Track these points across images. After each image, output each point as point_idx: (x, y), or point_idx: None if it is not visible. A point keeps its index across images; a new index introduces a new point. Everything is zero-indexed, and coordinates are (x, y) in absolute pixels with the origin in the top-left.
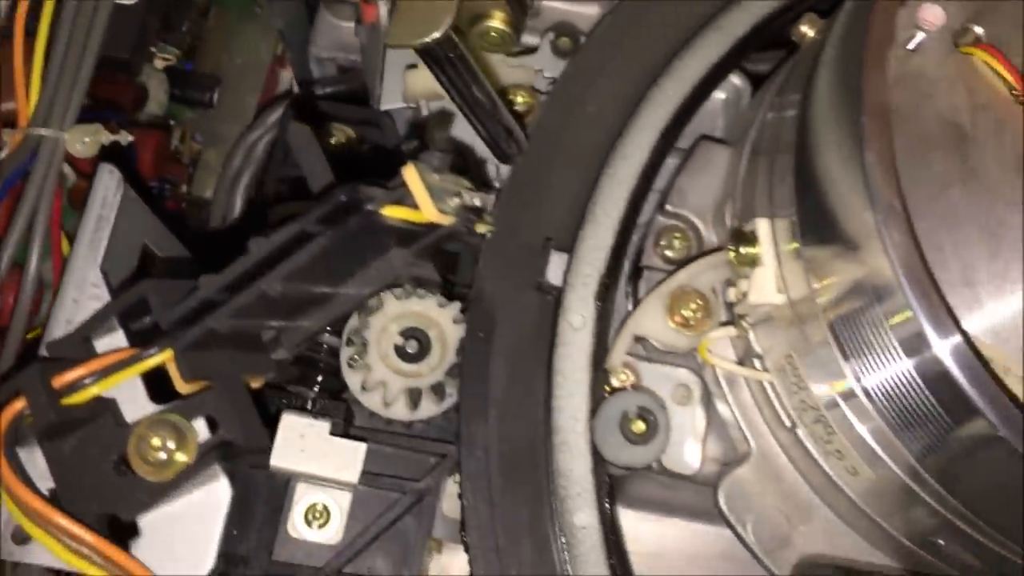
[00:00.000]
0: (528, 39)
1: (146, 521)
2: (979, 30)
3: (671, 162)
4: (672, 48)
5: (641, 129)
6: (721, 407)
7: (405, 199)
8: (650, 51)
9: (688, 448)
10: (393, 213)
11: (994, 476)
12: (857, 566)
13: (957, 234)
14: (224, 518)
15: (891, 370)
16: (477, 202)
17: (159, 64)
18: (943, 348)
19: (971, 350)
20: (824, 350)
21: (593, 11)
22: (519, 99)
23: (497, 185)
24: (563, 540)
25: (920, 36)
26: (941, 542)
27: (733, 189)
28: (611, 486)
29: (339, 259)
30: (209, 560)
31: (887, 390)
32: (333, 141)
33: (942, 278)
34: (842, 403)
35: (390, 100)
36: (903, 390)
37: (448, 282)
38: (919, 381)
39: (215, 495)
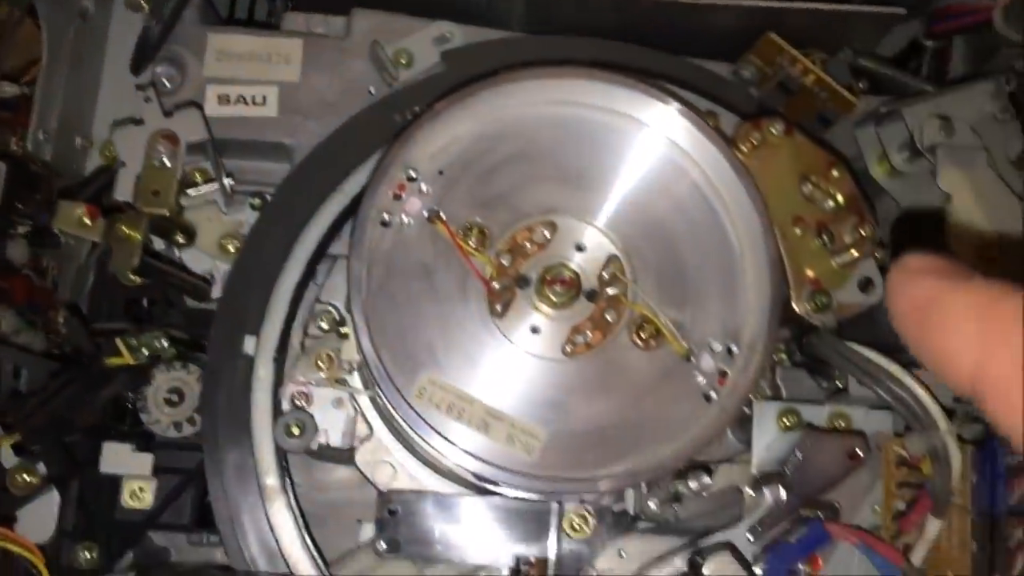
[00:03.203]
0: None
1: (20, 513)
2: (436, 209)
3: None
4: (318, 201)
5: (296, 258)
6: (360, 406)
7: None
8: (305, 205)
9: (343, 433)
10: (113, 362)
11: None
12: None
13: (425, 322)
14: (56, 508)
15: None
16: (165, 343)
17: (21, 231)
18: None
19: (408, 405)
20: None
21: (284, 168)
22: (231, 243)
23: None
24: (262, 492)
25: (406, 217)
26: None
27: None
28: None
29: (96, 381)
30: (50, 530)
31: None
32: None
33: (412, 348)
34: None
35: None
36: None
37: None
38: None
39: (52, 499)
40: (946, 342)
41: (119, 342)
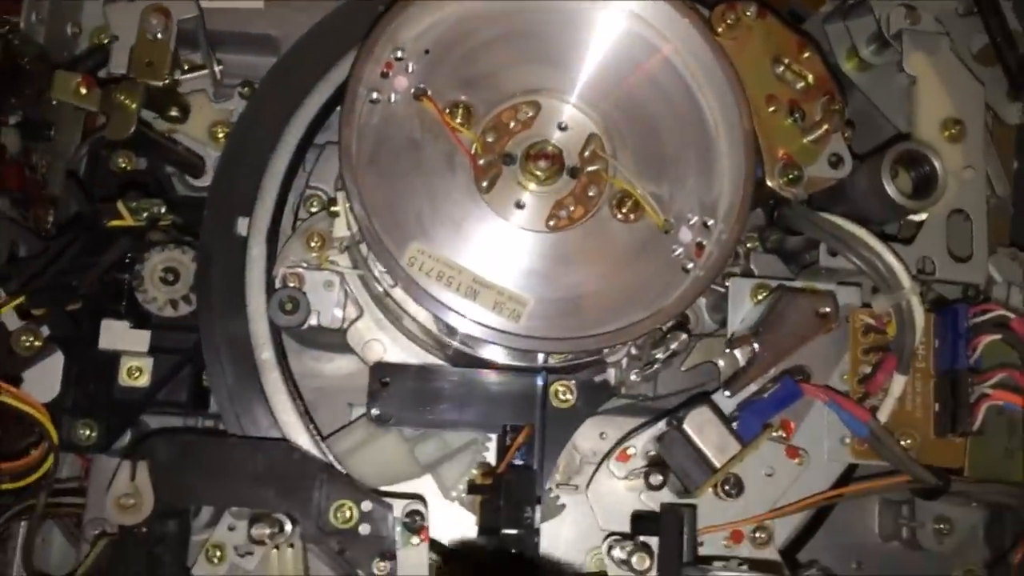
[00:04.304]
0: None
1: (26, 375)
2: (423, 87)
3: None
4: (305, 90)
5: (286, 143)
6: (350, 288)
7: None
8: (292, 92)
9: (334, 313)
10: (114, 224)
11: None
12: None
13: (413, 195)
14: (61, 369)
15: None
16: (162, 209)
17: (12, 121)
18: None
19: (400, 267)
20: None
21: (271, 61)
22: (221, 130)
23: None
24: (258, 367)
25: (394, 95)
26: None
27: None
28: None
29: (96, 245)
30: (56, 389)
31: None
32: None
33: (401, 219)
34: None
35: None
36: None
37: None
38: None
39: (56, 361)
40: None
41: (120, 204)
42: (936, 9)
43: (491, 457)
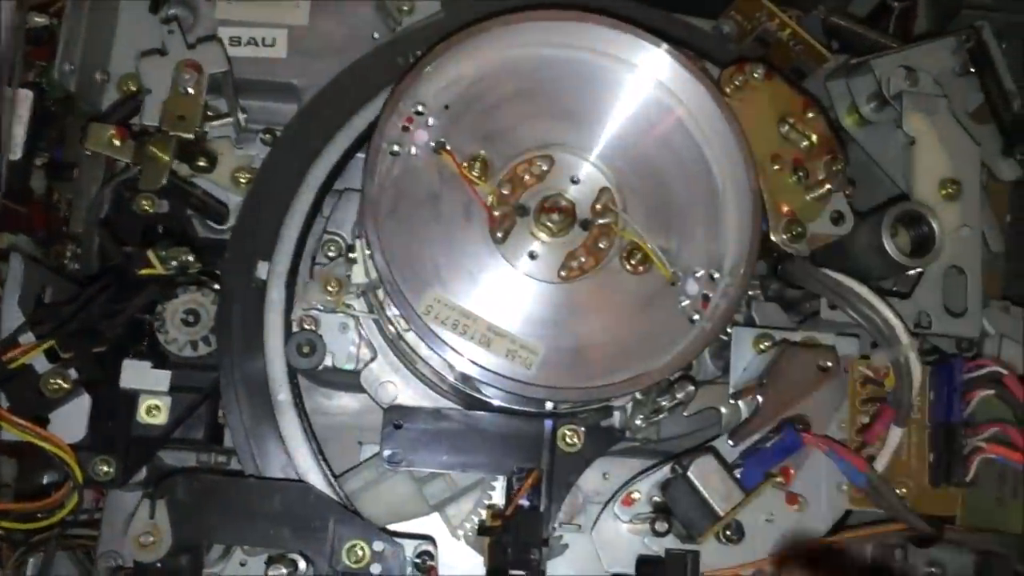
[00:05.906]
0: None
1: (53, 415)
2: (443, 140)
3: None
4: (326, 138)
5: (306, 189)
6: (364, 331)
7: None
8: (313, 140)
9: (346, 355)
10: (144, 272)
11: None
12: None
13: (431, 244)
14: (87, 411)
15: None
16: (191, 258)
17: (38, 163)
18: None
19: (417, 316)
20: (377, 301)
21: (292, 108)
22: (244, 176)
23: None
24: (275, 407)
25: (414, 148)
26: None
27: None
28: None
29: (125, 291)
30: (82, 431)
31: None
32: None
33: (419, 268)
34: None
35: None
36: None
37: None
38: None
39: (83, 403)
40: None
41: (151, 253)
42: (935, 70)
43: (497, 497)
